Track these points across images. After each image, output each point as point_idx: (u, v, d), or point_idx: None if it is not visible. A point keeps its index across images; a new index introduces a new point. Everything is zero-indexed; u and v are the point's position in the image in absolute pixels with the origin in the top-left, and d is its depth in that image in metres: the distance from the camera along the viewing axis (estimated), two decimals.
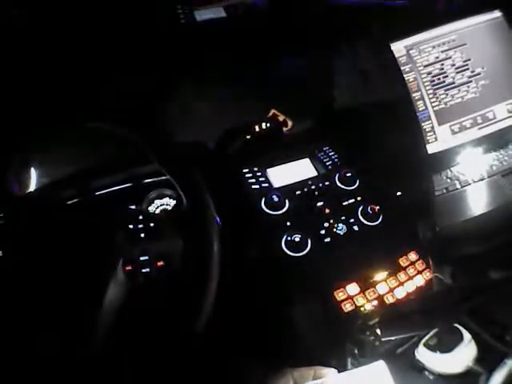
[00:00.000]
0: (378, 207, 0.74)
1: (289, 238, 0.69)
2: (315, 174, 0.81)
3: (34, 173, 0.79)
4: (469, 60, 0.86)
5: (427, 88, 0.83)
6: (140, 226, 0.59)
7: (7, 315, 0.51)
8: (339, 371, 0.54)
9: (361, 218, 0.74)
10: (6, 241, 0.55)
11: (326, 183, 0.79)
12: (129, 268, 0.56)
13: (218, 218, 0.60)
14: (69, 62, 0.86)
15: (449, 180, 0.82)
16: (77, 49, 0.86)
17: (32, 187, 0.78)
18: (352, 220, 0.74)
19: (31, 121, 0.60)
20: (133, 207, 0.72)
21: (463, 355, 0.66)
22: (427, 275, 0.71)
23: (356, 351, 0.64)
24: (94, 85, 0.88)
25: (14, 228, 0.57)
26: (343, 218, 0.74)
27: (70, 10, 0.86)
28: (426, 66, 0.84)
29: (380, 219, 0.74)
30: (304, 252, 0.69)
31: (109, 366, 0.50)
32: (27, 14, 0.83)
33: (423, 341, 0.69)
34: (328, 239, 0.72)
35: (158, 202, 0.80)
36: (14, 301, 0.52)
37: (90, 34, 0.87)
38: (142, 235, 0.58)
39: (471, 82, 0.85)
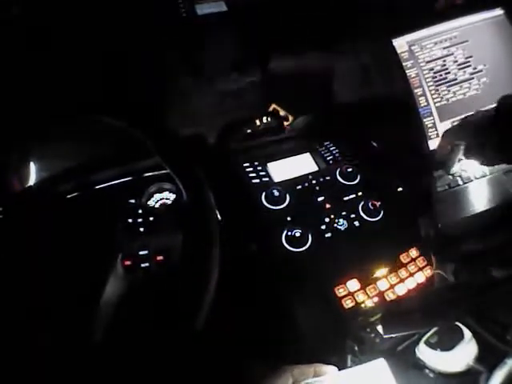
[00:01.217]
0: (379, 203, 0.74)
1: (289, 233, 0.69)
2: (316, 168, 0.81)
3: (33, 167, 0.79)
4: (471, 57, 0.85)
5: (429, 84, 0.83)
6: (139, 220, 0.59)
7: (6, 310, 0.51)
8: (339, 369, 0.54)
9: (362, 213, 0.74)
10: (5, 235, 0.55)
11: (327, 178, 0.78)
12: (128, 262, 0.55)
13: (218, 213, 0.59)
14: (68, 57, 0.86)
15: (451, 176, 0.81)
16: (76, 44, 0.86)
17: (31, 181, 0.77)
18: (353, 215, 0.73)
19: (30, 115, 0.60)
20: (132, 201, 0.72)
21: (464, 354, 0.65)
22: (428, 272, 0.70)
23: (356, 348, 0.64)
24: (93, 79, 0.87)
25: (13, 222, 0.57)
26: (344, 213, 0.73)
27: (70, 7, 0.86)
28: (428, 62, 0.83)
29: (381, 215, 0.74)
30: (304, 247, 0.69)
31: (107, 362, 0.50)
32: (27, 13, 0.83)
33: (424, 339, 0.68)
34: (329, 234, 0.71)
35: (157, 195, 0.80)
36: (13, 295, 0.52)
37: (89, 29, 0.87)
38: (142, 229, 0.58)
39: (473, 78, 0.85)
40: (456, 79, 0.84)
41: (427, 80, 0.83)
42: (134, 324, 0.53)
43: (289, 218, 0.72)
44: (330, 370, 0.53)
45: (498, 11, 0.88)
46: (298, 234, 0.68)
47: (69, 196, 0.74)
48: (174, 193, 0.80)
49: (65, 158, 0.81)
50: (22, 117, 0.60)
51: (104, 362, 0.49)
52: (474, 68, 0.85)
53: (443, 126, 0.83)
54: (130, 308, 0.55)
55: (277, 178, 0.78)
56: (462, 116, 0.83)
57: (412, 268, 0.70)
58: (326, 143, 0.86)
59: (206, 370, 0.59)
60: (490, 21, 0.87)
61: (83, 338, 0.51)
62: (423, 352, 0.68)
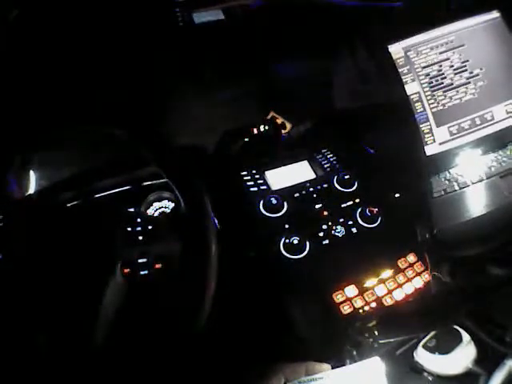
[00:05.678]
0: (376, 209, 0.74)
1: (287, 241, 0.69)
2: (313, 176, 0.81)
3: (33, 175, 0.79)
4: (467, 61, 0.86)
5: (425, 90, 0.83)
6: (138, 228, 0.59)
7: (6, 317, 0.52)
8: (333, 367, 0.53)
9: (359, 220, 0.74)
10: (5, 243, 0.56)
11: (325, 185, 0.79)
12: (127, 270, 0.56)
13: (216, 221, 0.60)
14: (69, 63, 0.86)
15: (447, 182, 0.82)
16: (77, 50, 0.86)
17: (31, 189, 0.78)
18: (350, 222, 0.74)
19: (31, 122, 0.60)
20: (131, 210, 0.72)
21: (462, 356, 0.66)
22: (426, 277, 0.71)
23: (354, 353, 0.64)
24: (93, 87, 0.88)
25: (13, 230, 0.58)
26: (342, 220, 0.74)
27: (71, 13, 0.86)
28: (424, 68, 0.84)
29: (378, 221, 0.74)
30: (302, 254, 0.69)
31: (107, 367, 0.50)
32: (26, 14, 0.83)
33: (422, 342, 0.69)
34: (326, 241, 0.71)
35: (156, 204, 0.80)
36: (13, 303, 0.53)
37: (88, 36, 0.87)
38: (141, 238, 0.58)
39: (469, 83, 0.85)
40: (452, 84, 0.85)
41: (423, 85, 0.83)
42: (133, 330, 0.54)
43: (286, 226, 0.72)
44: (322, 367, 0.52)
45: (494, 14, 0.88)
46: (295, 242, 0.69)
47: (69, 204, 0.75)
48: (172, 201, 0.80)
49: (65, 167, 0.82)
50: (22, 125, 0.61)
51: (104, 367, 0.50)
52: (471, 72, 0.86)
53: (439, 132, 0.83)
54: (129, 315, 0.55)
55: (274, 186, 0.79)
56: (459, 121, 0.84)
57: (410, 273, 0.70)
58: (323, 150, 0.86)
59: (202, 371, 0.59)
60: (486, 24, 0.88)
61: (83, 344, 0.52)
62: (422, 356, 0.68)
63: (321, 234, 0.72)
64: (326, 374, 0.51)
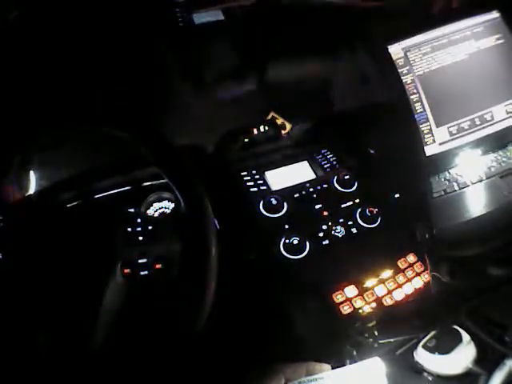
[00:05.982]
0: (376, 209, 0.74)
1: (287, 241, 0.69)
2: (313, 176, 0.81)
3: (33, 175, 0.79)
4: (467, 61, 0.85)
5: (425, 90, 0.83)
6: (138, 228, 0.59)
7: (6, 318, 0.52)
8: (333, 367, 0.53)
9: (359, 220, 0.74)
10: (5, 243, 0.56)
11: (324, 186, 0.79)
12: (127, 270, 0.56)
13: (216, 221, 0.60)
14: (69, 63, 0.86)
15: (447, 182, 0.82)
16: (77, 50, 0.87)
17: (31, 190, 0.78)
18: (350, 222, 0.74)
19: (31, 122, 0.60)
20: (131, 210, 0.72)
21: (462, 356, 0.66)
22: (426, 277, 0.71)
23: (354, 353, 0.64)
24: (93, 87, 0.88)
25: (13, 231, 0.58)
26: (341, 220, 0.74)
27: (71, 13, 0.86)
28: (423, 68, 0.84)
29: (378, 221, 0.74)
30: (302, 254, 0.69)
31: (108, 369, 0.50)
32: (27, 14, 0.83)
33: (422, 342, 0.69)
34: (326, 241, 0.71)
35: (156, 204, 0.81)
36: (13, 303, 0.53)
37: (89, 36, 0.87)
38: (141, 238, 0.58)
39: (469, 83, 0.85)
40: (452, 84, 0.84)
41: (423, 86, 0.83)
42: (133, 331, 0.54)
43: (286, 226, 0.72)
44: (323, 368, 0.52)
45: (494, 14, 0.88)
46: (295, 242, 0.69)
47: (69, 205, 0.75)
48: (173, 202, 0.80)
49: (65, 167, 0.82)
50: (22, 125, 0.61)
51: (104, 367, 0.50)
52: (471, 72, 0.86)
53: (439, 132, 0.83)
54: (129, 315, 0.55)
55: (274, 187, 0.79)
56: (459, 121, 0.84)
57: (409, 273, 0.70)
58: (323, 151, 0.86)
59: (202, 371, 0.59)
60: (486, 24, 0.87)
61: (83, 344, 0.52)
62: (421, 356, 0.68)
63: (321, 234, 0.72)
64: (326, 374, 0.51)
